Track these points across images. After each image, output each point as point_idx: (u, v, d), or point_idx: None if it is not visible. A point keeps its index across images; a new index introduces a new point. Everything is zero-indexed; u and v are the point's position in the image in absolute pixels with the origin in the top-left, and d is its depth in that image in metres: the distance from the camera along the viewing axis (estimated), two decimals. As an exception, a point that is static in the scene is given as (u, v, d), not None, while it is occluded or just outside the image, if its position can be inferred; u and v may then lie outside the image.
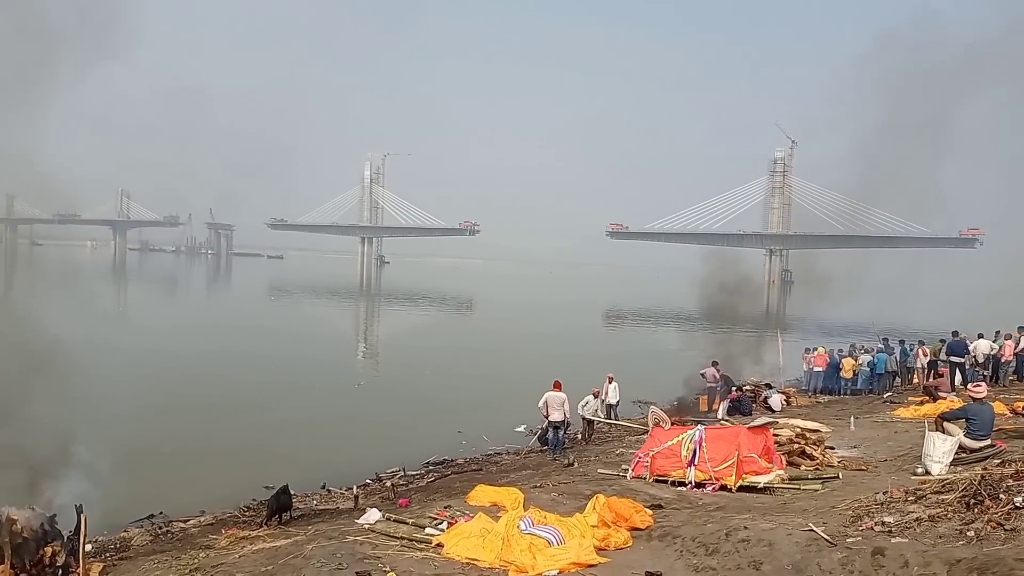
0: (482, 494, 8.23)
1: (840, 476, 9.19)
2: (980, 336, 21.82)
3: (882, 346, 24.63)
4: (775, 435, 10.79)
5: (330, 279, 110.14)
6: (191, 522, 12.21)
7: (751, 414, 20.86)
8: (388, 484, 15.37)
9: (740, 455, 9.15)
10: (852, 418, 15.44)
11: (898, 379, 23.95)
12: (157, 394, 22.77)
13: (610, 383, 20.98)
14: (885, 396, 21.70)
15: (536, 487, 9.57)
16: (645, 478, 9.73)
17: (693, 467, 9.37)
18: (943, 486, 6.50)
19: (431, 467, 17.27)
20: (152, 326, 39.77)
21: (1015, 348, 20.75)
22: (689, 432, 9.71)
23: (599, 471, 10.44)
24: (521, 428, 20.61)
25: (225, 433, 19.30)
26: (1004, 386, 20.41)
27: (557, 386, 16.45)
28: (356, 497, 12.01)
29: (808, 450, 10.52)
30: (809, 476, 9.32)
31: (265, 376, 27.36)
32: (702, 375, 22.23)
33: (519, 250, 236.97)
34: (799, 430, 10.66)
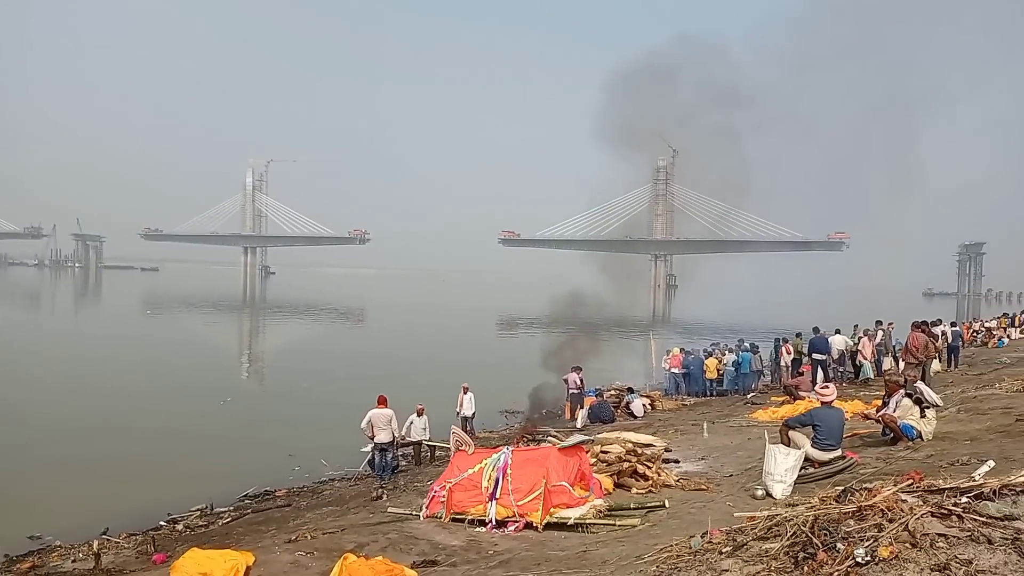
0: (191, 563, 6.06)
1: (667, 504, 7.61)
2: (837, 332, 21.30)
3: (747, 345, 23.92)
4: (603, 452, 9.15)
5: (211, 291, 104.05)
6: None
7: (613, 420, 19.57)
8: (179, 527, 12.93)
9: (548, 484, 7.41)
10: (706, 424, 14.14)
11: (766, 378, 23.27)
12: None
13: (465, 393, 19.29)
14: (749, 396, 20.87)
15: (289, 542, 7.47)
16: (440, 517, 7.84)
17: (495, 501, 7.56)
18: (771, 527, 4.86)
19: (249, 500, 14.90)
20: None
21: (874, 342, 20.25)
22: (493, 457, 7.88)
23: (390, 510, 8.50)
24: (367, 448, 18.52)
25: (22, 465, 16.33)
26: (863, 381, 19.89)
27: (382, 402, 14.43)
28: (98, 555, 9.53)
29: (641, 469, 8.92)
30: (632, 505, 7.68)
31: (116, 398, 24.39)
32: (564, 381, 20.75)
33: (412, 258, 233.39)
34: (630, 445, 9.06)
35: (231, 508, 14.11)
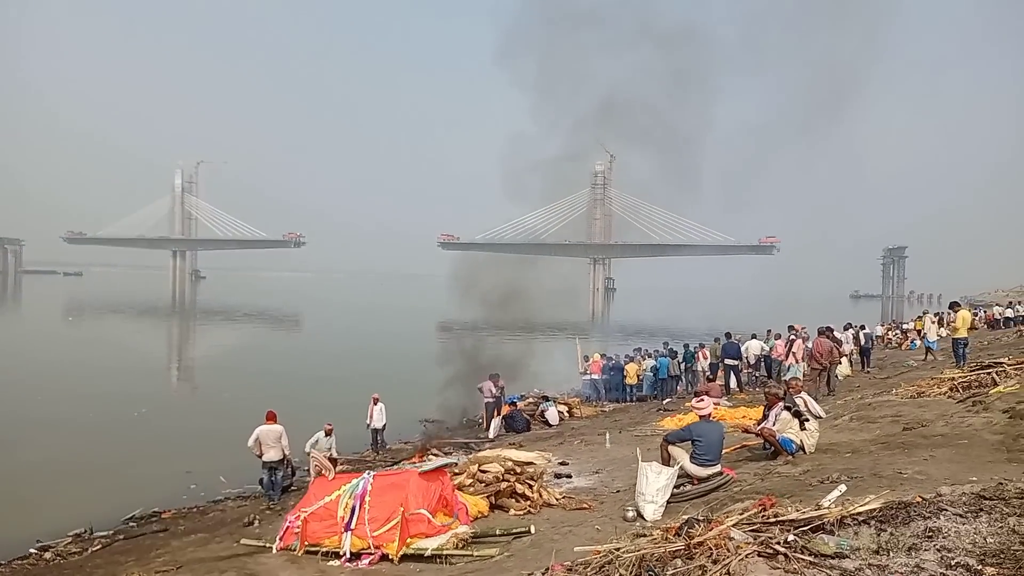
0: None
1: (532, 530, 7.18)
2: (753, 336, 21.39)
3: (664, 350, 23.86)
4: (481, 471, 8.68)
5: (137, 296, 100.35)
6: None
7: (527, 430, 19.21)
8: (46, 556, 11.99)
9: (406, 512, 6.90)
10: (608, 434, 13.84)
11: (681, 383, 23.22)
12: None
13: (375, 404, 18.60)
14: (664, 403, 20.75)
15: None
16: (294, 549, 7.26)
17: (350, 532, 7.02)
18: (604, 564, 4.45)
19: (132, 523, 13.97)
20: None
21: (786, 347, 20.33)
22: (351, 484, 7.33)
23: (242, 541, 7.88)
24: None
25: None
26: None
27: (271, 418, 13.68)
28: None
29: (520, 488, 8.49)
30: (497, 532, 7.23)
31: (22, 408, 23.23)
32: (479, 389, 20.26)
33: (351, 262, 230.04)
34: (510, 464, 8.63)
35: (110, 532, 13.16)
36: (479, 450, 17.13)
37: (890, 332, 35.81)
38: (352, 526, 7.00)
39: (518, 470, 8.59)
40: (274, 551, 7.41)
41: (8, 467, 16.87)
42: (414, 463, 12.42)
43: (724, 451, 9.37)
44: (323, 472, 8.11)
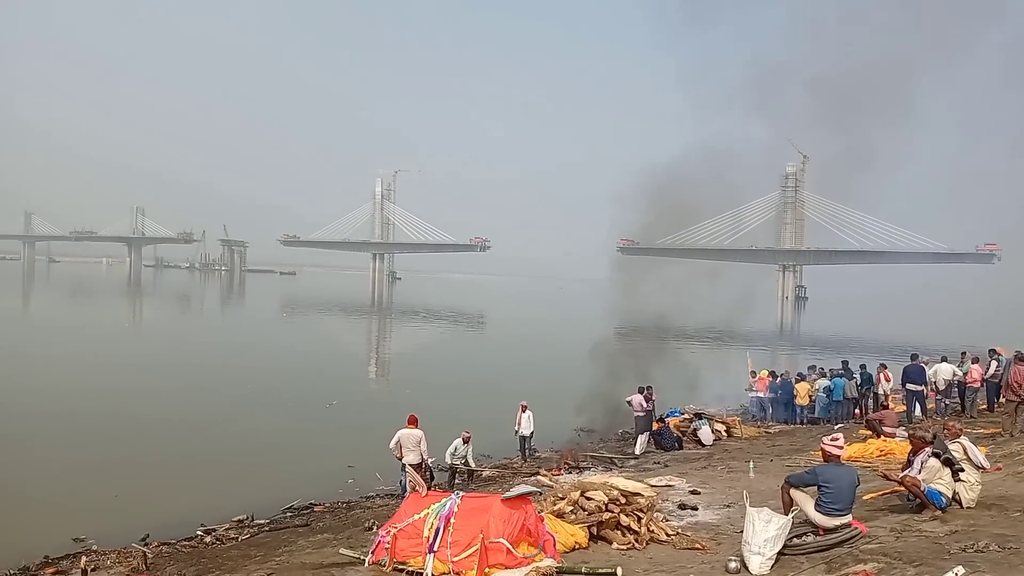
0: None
1: (619, 572, 6.61)
2: (943, 359, 18.95)
3: (841, 369, 21.80)
4: (585, 498, 8.22)
5: (342, 295, 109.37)
6: None
7: (679, 448, 18.31)
8: (207, 540, 13.04)
9: (485, 539, 6.64)
10: (752, 463, 12.75)
11: (857, 408, 21.08)
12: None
13: (523, 412, 18.59)
14: (836, 428, 18.90)
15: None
16: (384, 565, 7.24)
17: (432, 554, 6.87)
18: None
19: (291, 512, 14.92)
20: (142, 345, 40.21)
21: (984, 373, 17.82)
22: (439, 503, 7.19)
23: (340, 551, 7.99)
24: (431, 460, 18.20)
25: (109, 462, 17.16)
26: (972, 416, 17.53)
27: (412, 422, 13.98)
28: (84, 571, 9.59)
29: (625, 520, 7.94)
30: (583, 570, 6.75)
31: (231, 395, 26.05)
32: (628, 403, 19.56)
33: (531, 265, 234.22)
34: (616, 493, 8.09)
35: (265, 521, 14.09)
36: (621, 467, 16.58)
37: None
38: (435, 548, 6.86)
39: (623, 500, 8.04)
40: (366, 564, 7.45)
41: (208, 451, 18.67)
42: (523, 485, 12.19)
43: (869, 496, 8.27)
44: (416, 488, 8.07)
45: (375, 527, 11.16)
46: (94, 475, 16.02)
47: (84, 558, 10.12)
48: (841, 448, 7.26)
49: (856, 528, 6.90)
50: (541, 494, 8.53)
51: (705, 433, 18.39)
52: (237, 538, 12.85)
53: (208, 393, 26.39)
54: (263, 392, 27.05)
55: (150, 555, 11.14)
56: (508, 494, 7.06)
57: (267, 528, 12.91)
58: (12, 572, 10.75)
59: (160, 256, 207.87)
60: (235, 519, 14.09)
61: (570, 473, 15.09)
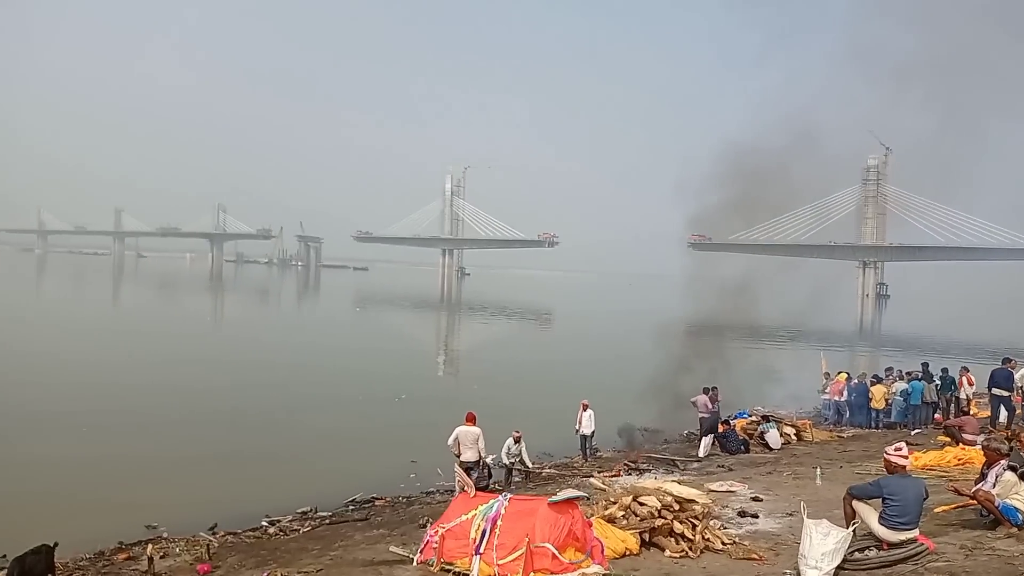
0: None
1: (667, 581, 6.43)
2: (1033, 363, 17.88)
3: (921, 372, 20.83)
4: (638, 503, 8.04)
5: (412, 291, 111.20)
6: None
7: (745, 452, 17.79)
8: (271, 531, 13.37)
9: (531, 543, 6.55)
10: (819, 470, 12.27)
11: (937, 413, 20.11)
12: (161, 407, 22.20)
13: (584, 411, 18.42)
14: (913, 433, 18.08)
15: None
16: (431, 565, 7.24)
17: (479, 556, 6.82)
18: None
19: (353, 506, 15.17)
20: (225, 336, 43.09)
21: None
22: (487, 504, 7.14)
23: (391, 548, 8.03)
24: (490, 458, 18.24)
25: (179, 451, 17.83)
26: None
27: (470, 419, 14.02)
28: (151, 559, 9.93)
29: (679, 527, 7.73)
30: (633, 576, 6.60)
31: (303, 391, 26.60)
32: (693, 403, 19.13)
33: (599, 261, 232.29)
34: (670, 499, 7.87)
35: (328, 514, 14.36)
36: (684, 469, 16.22)
37: None
38: (481, 550, 6.82)
39: (677, 506, 7.83)
40: (414, 564, 7.48)
41: (275, 444, 19.11)
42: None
43: (941, 509, 7.84)
44: (465, 488, 8.05)
45: (428, 524, 11.25)
46: (170, 465, 16.59)
47: (151, 545, 10.47)
48: (906, 458, 6.87)
49: (922, 544, 6.53)
50: (588, 499, 8.39)
51: (773, 436, 17.83)
52: (299, 530, 13.14)
53: (281, 389, 27.05)
54: (335, 387, 27.65)
55: (216, 545, 11.49)
56: (554, 498, 6.97)
57: (328, 521, 13.17)
58: (88, 556, 11.16)
59: (240, 252, 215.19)
60: (299, 511, 14.42)
61: (629, 474, 14.86)
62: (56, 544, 8.89)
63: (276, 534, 12.94)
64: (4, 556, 10.40)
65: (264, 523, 13.60)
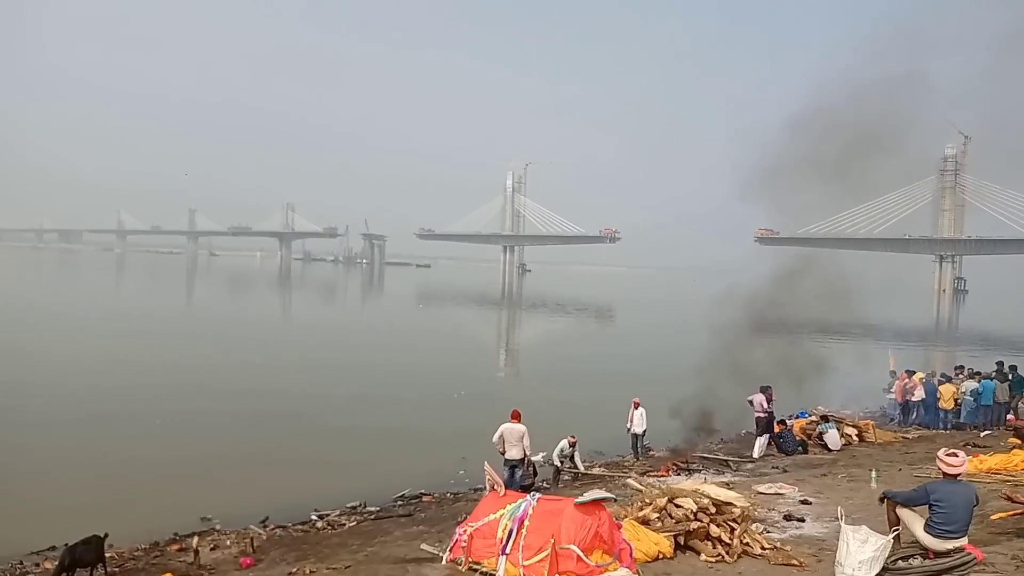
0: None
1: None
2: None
3: (995, 371, 19.83)
4: (674, 505, 7.83)
5: (474, 287, 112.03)
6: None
7: (803, 452, 17.24)
8: (319, 524, 13.58)
9: (556, 544, 6.43)
10: (874, 473, 11.77)
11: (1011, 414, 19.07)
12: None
13: (636, 409, 18.13)
14: (982, 435, 17.23)
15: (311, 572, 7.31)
16: (460, 564, 7.21)
17: (504, 556, 6.74)
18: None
19: (401, 502, 15.30)
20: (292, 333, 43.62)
21: None
22: (514, 504, 7.05)
23: (422, 547, 8.02)
24: (539, 456, 18.12)
25: (238, 446, 18.35)
26: None
27: (516, 416, 13.92)
28: (196, 551, 10.19)
29: (715, 531, 7.50)
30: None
31: (363, 388, 27.01)
32: (749, 402, 18.62)
33: (662, 257, 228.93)
34: (707, 502, 7.64)
35: (377, 509, 14.50)
36: (736, 469, 15.82)
37: None
38: (507, 551, 6.75)
39: (714, 509, 7.60)
40: (443, 562, 7.46)
41: (333, 440, 19.38)
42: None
43: (996, 516, 7.40)
44: (495, 487, 7.99)
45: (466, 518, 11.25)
46: (232, 462, 16.97)
47: (197, 538, 10.75)
48: (959, 465, 6.49)
49: (970, 553, 6.16)
50: (616, 500, 8.22)
51: (832, 437, 17.23)
52: (345, 525, 13.30)
53: (342, 385, 27.49)
54: (394, 384, 27.87)
55: (263, 537, 11.73)
56: (581, 499, 6.84)
57: (373, 516, 13.30)
58: (143, 546, 11.50)
59: (308, 250, 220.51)
60: (348, 505, 14.60)
61: (678, 474, 14.58)
62: (106, 535, 9.17)
63: (323, 528, 13.13)
64: (52, 548, 10.85)
65: (313, 517, 13.82)
